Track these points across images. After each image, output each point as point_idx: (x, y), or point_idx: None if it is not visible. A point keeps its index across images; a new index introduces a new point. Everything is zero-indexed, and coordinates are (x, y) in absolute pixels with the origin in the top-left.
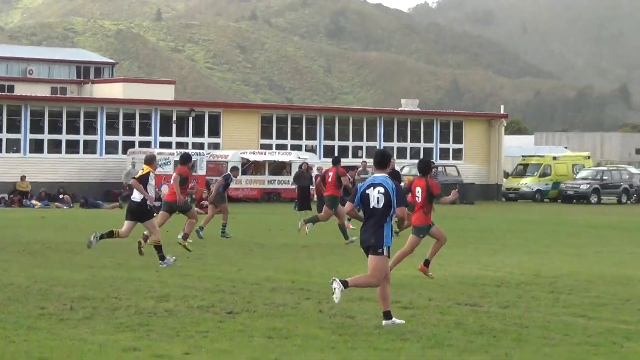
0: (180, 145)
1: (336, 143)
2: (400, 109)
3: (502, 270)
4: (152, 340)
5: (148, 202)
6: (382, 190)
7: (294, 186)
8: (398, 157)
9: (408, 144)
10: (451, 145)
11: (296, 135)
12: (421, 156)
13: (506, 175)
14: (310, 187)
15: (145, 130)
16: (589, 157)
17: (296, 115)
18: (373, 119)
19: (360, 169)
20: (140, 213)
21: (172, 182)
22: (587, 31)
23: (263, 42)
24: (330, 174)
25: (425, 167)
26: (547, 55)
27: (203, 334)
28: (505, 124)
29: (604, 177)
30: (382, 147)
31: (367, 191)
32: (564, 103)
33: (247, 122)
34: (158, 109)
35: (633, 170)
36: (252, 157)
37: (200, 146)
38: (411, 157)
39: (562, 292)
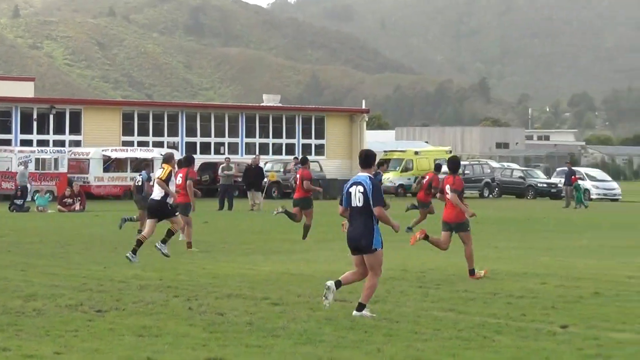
0: (41, 143)
1: (198, 139)
2: (262, 104)
3: None
4: (22, 340)
5: (168, 200)
6: (361, 189)
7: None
8: (261, 153)
9: (270, 140)
10: (313, 141)
11: (158, 131)
12: (284, 152)
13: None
14: None
15: (5, 128)
16: (450, 152)
17: (158, 112)
18: (235, 115)
19: (223, 164)
20: (161, 211)
21: (179, 183)
22: (446, 26)
23: (122, 38)
24: (297, 175)
25: (455, 165)
26: (406, 50)
27: (73, 333)
28: (367, 119)
29: (466, 172)
30: (244, 143)
31: (350, 190)
32: (424, 98)
33: (109, 119)
34: (18, 106)
35: (494, 164)
36: (113, 154)
37: (62, 144)
38: (273, 153)
39: (431, 286)
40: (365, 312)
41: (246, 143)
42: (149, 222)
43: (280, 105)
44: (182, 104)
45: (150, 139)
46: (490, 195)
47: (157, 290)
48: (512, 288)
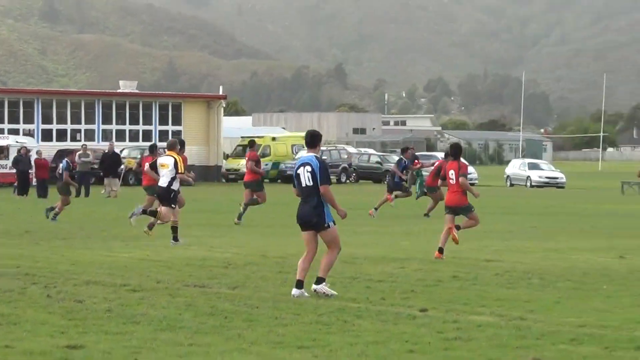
0: None
1: (54, 126)
2: (118, 91)
3: (229, 252)
4: None
5: (173, 187)
6: (309, 169)
7: (13, 170)
8: (117, 140)
9: (127, 127)
10: (170, 127)
11: (13, 119)
12: (140, 138)
13: (226, 156)
14: (30, 171)
15: None
16: None
17: (13, 99)
18: (91, 102)
19: (80, 152)
20: (165, 197)
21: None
22: (302, 12)
23: None
24: (246, 159)
25: (458, 150)
26: (263, 36)
27: None
28: (224, 105)
29: (323, 157)
30: (100, 129)
31: (298, 171)
32: (281, 83)
33: None
34: None
35: (351, 149)
36: None
37: None
38: (130, 140)
39: (290, 272)
40: (322, 285)
41: (103, 130)
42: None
43: (137, 91)
44: (37, 91)
45: (6, 126)
46: (348, 181)
47: (15, 278)
48: (371, 272)
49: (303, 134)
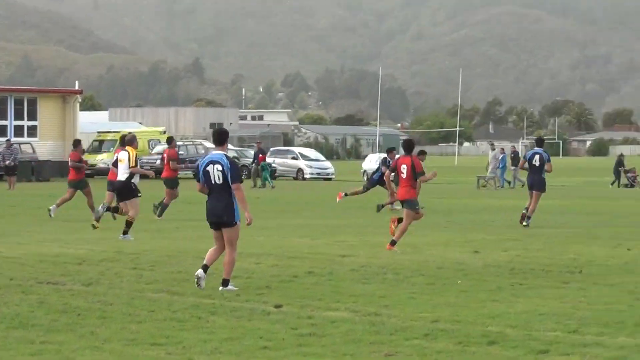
0: None
1: None
2: None
3: (84, 248)
4: None
5: (133, 180)
6: (219, 167)
7: None
8: None
9: None
10: (26, 123)
11: None
12: None
13: (82, 152)
14: None
15: None
16: (164, 132)
17: None
18: None
19: None
20: (125, 192)
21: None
22: (159, 6)
23: None
24: (165, 155)
25: (410, 146)
26: (119, 30)
27: None
28: (80, 100)
29: (180, 152)
30: None
31: (207, 168)
32: (138, 78)
33: None
34: None
35: (208, 144)
36: None
37: None
38: None
39: (145, 268)
40: (230, 286)
41: None
42: (108, 194)
43: None
44: None
45: None
46: None
47: None
48: None
49: (160, 128)
